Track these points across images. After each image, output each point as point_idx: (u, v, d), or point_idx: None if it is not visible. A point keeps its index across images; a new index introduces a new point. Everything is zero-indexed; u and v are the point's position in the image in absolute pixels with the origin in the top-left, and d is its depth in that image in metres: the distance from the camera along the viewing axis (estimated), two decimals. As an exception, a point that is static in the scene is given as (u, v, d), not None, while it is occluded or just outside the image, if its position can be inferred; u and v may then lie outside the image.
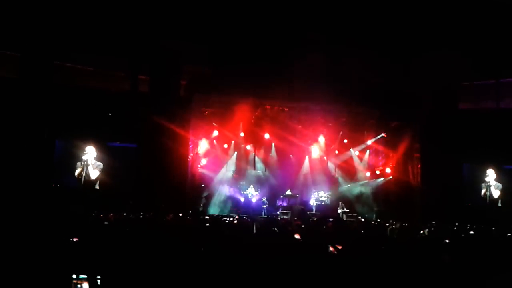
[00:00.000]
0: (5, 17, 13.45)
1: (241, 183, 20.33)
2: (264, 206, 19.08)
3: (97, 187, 15.54)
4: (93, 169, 15.52)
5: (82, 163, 15.47)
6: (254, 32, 14.99)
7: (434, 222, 11.98)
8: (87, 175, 15.45)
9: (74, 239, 5.50)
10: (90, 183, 15.47)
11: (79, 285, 3.99)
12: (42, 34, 14.79)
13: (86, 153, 15.51)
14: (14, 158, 13.97)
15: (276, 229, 8.11)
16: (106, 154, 15.86)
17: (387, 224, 11.89)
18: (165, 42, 15.84)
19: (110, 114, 15.97)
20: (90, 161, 15.56)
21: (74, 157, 15.47)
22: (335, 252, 5.63)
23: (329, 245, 5.72)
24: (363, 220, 16.34)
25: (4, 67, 15.16)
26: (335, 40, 15.42)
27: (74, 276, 3.97)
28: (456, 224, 11.79)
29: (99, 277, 4.05)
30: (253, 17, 14.38)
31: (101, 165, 15.62)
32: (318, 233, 7.25)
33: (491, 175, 17.12)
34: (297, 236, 6.13)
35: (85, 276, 4.00)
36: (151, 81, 16.63)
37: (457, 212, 15.42)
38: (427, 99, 17.56)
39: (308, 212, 17.63)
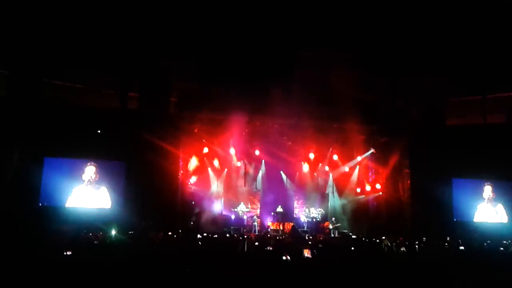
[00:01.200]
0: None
1: (232, 200, 20.23)
2: (255, 223, 19.01)
3: (93, 205, 15.45)
4: (94, 189, 15.50)
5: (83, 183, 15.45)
6: (244, 50, 15.07)
7: (424, 238, 11.99)
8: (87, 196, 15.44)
9: (68, 253, 5.43)
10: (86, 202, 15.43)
11: None
12: (31, 52, 14.76)
13: (85, 173, 15.52)
14: (2, 176, 13.80)
15: (270, 248, 8.07)
16: (96, 171, 15.81)
17: (378, 241, 11.90)
18: (155, 60, 15.87)
19: (99, 131, 15.86)
20: (90, 182, 15.52)
21: (63, 175, 15.36)
22: (310, 256, 5.61)
23: (304, 249, 5.70)
24: (354, 236, 16.30)
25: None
26: (326, 58, 15.55)
27: None
28: (448, 239, 11.81)
29: None
30: (243, 36, 14.47)
31: (103, 188, 15.56)
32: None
33: (487, 191, 17.29)
34: (286, 257, 6.12)
35: None
36: (141, 98, 16.61)
37: (446, 228, 15.46)
38: (415, 115, 17.74)
39: (299, 229, 17.52)
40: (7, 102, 14.66)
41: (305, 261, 6.28)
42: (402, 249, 9.72)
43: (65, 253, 5.43)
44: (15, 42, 14.27)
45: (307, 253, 6.36)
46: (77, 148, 15.34)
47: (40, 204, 14.97)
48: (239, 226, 18.86)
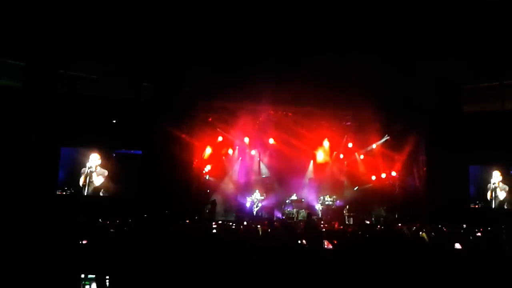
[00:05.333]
0: (10, 26, 13.54)
1: (246, 188, 20.29)
2: (256, 208, 19.15)
3: (102, 194, 15.63)
4: (97, 176, 15.62)
5: (86, 170, 15.59)
6: (257, 38, 15.00)
7: (440, 225, 11.90)
8: (91, 182, 15.56)
9: (83, 242, 5.53)
10: (94, 190, 15.57)
11: (87, 286, 4.05)
12: (47, 43, 14.89)
13: (90, 160, 15.64)
14: (19, 166, 14.02)
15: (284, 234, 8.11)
16: (111, 161, 15.98)
17: (394, 228, 11.85)
18: (168, 50, 15.89)
19: (114, 121, 16.00)
20: (94, 168, 15.68)
21: (79, 165, 15.60)
22: (331, 247, 5.63)
23: (325, 241, 5.72)
24: (367, 222, 16.28)
25: (8, 76, 15.25)
26: (339, 45, 15.38)
27: (82, 276, 4.01)
28: (464, 226, 11.70)
29: (107, 277, 4.09)
30: (256, 23, 14.38)
31: (105, 172, 15.72)
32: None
33: (496, 177, 17.01)
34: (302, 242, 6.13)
35: (93, 276, 4.04)
36: (154, 88, 16.68)
37: (463, 215, 15.31)
38: (432, 101, 17.51)
39: (314, 217, 17.53)
40: (24, 93, 14.83)
41: (323, 248, 6.27)
42: (420, 234, 9.66)
43: (80, 242, 5.53)
44: (31, 33, 14.39)
45: (327, 244, 6.36)
46: (93, 138, 15.52)
47: (57, 193, 15.22)
48: (254, 214, 18.96)
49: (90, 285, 4.08)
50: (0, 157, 13.85)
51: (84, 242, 5.84)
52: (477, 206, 16.90)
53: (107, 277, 4.12)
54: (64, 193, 15.39)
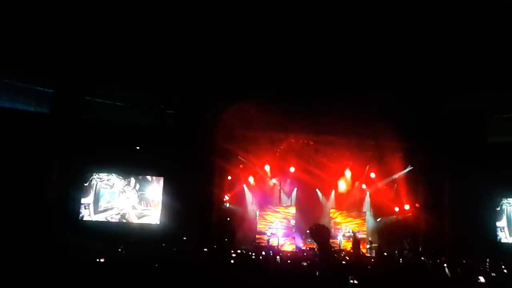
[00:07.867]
0: (38, 55, 14.00)
1: (267, 217, 20.16)
2: (276, 237, 18.92)
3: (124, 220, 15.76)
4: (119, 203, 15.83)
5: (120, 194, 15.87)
6: (279, 68, 15.12)
7: (464, 260, 11.54)
8: (113, 209, 15.78)
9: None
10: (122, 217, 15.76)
11: None
12: (74, 71, 15.32)
13: (114, 186, 15.89)
14: (45, 192, 14.26)
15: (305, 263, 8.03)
16: (132, 187, 16.19)
17: (417, 262, 11.54)
18: (192, 79, 16.16)
19: (138, 148, 16.24)
20: (117, 195, 15.89)
21: (103, 191, 15.83)
22: (356, 282, 5.53)
23: (350, 277, 5.64)
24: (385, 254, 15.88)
25: (36, 103, 15.68)
26: (363, 75, 15.38)
27: None
28: (488, 261, 11.32)
29: None
30: (279, 54, 14.51)
31: (128, 198, 15.90)
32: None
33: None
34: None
35: None
36: (178, 116, 16.91)
37: (490, 249, 14.84)
38: (456, 132, 17.24)
39: (333, 248, 17.21)
40: (51, 119, 15.21)
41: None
42: (445, 270, 9.38)
43: (98, 260, 5.59)
44: (59, 62, 14.84)
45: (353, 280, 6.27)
46: (116, 165, 15.79)
47: (80, 219, 15.40)
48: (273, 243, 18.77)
49: None
50: (26, 183, 14.09)
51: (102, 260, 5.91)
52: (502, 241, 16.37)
53: None
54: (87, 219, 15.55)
